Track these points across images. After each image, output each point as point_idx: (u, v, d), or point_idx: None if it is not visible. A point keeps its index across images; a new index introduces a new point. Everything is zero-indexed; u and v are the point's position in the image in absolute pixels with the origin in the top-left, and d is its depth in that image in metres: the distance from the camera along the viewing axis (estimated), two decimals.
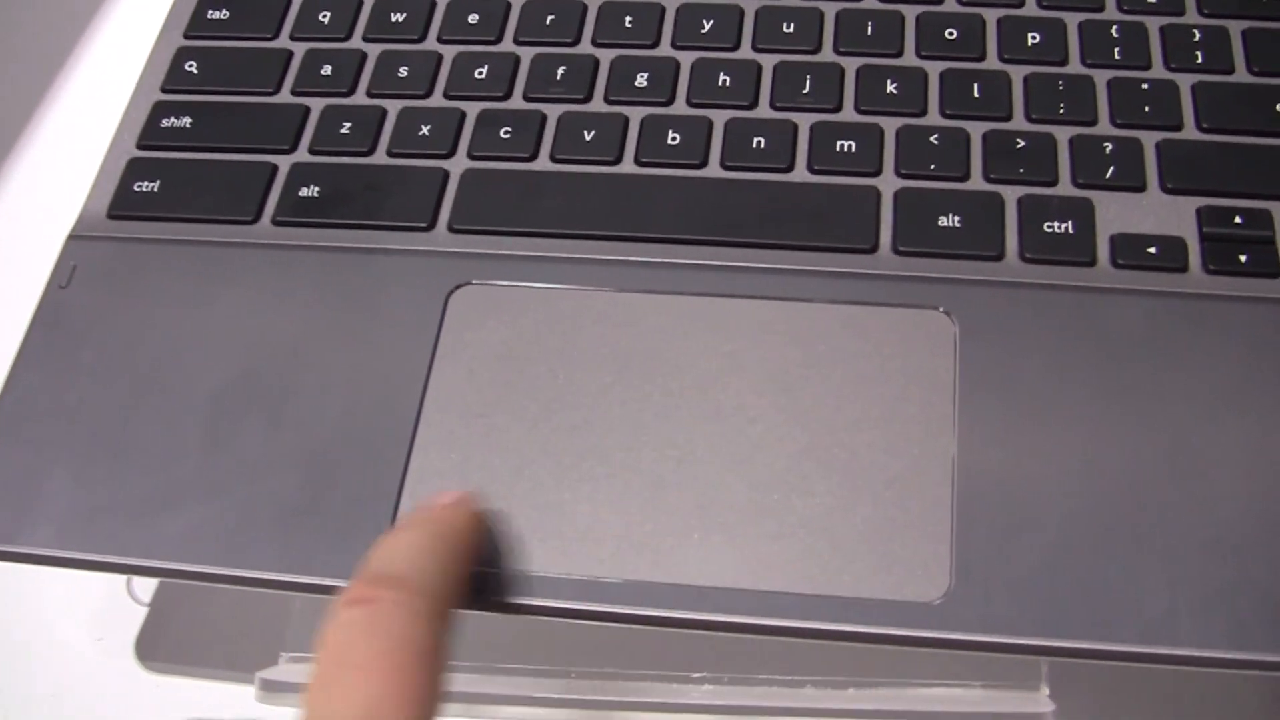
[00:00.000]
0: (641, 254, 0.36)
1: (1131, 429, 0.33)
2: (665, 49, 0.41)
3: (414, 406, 0.34)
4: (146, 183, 0.39)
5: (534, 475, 0.33)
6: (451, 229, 0.37)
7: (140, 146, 0.40)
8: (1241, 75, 0.39)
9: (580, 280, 0.36)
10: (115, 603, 0.41)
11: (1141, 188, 0.37)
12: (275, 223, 0.38)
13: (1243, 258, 0.35)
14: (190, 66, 0.42)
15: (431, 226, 0.37)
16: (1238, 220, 0.36)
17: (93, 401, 0.35)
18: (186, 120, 0.41)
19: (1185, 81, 0.39)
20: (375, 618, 0.27)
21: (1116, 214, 0.36)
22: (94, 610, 0.41)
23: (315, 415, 0.34)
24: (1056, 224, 0.36)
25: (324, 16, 0.43)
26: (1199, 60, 0.39)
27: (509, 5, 0.42)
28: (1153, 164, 0.37)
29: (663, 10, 0.42)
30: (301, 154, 0.39)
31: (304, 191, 0.38)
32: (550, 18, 0.42)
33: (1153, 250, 0.35)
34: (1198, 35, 0.40)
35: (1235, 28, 0.40)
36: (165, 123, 0.41)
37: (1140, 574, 0.31)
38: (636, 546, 0.32)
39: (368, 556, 0.29)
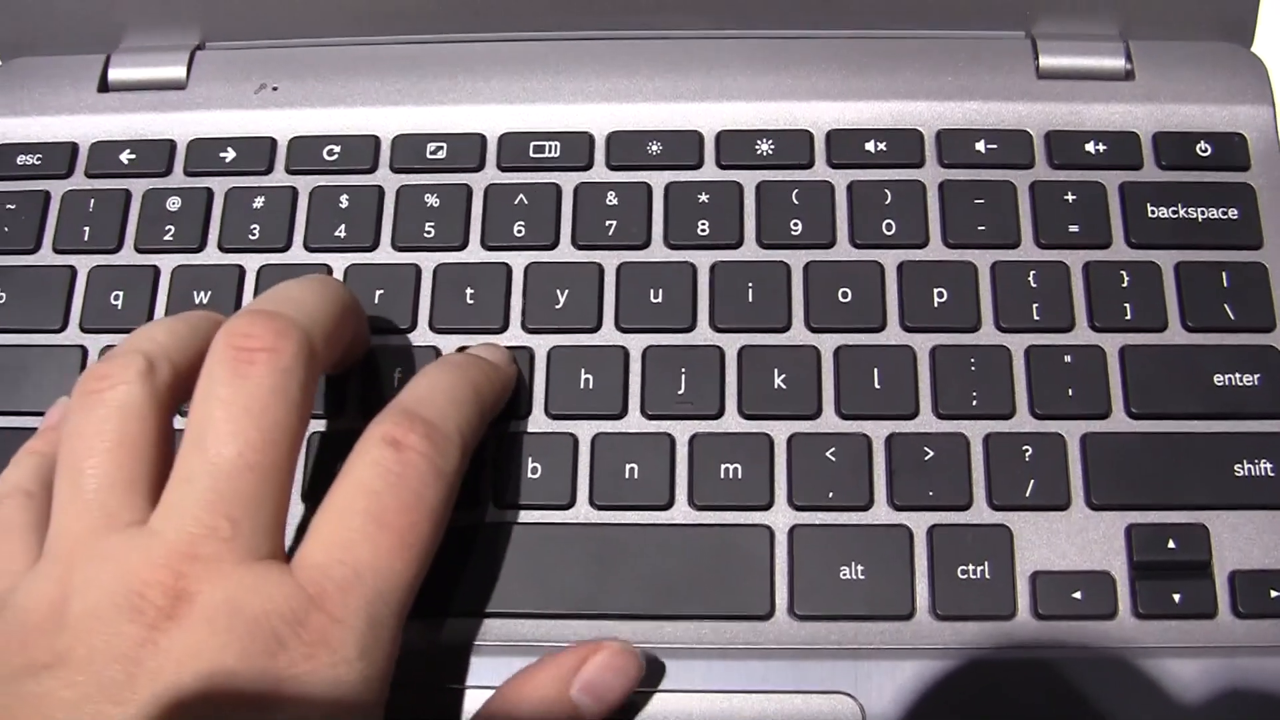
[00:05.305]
0: (520, 636, 0.32)
1: None
2: (516, 332, 0.35)
3: None
4: None
5: None
6: None
7: None
8: (1175, 332, 0.34)
9: None
10: None
11: (1065, 505, 0.33)
12: None
13: (1176, 596, 0.32)
14: None
15: None
16: (1171, 545, 0.32)
17: None
18: None
19: (1113, 345, 0.34)
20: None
21: (1037, 543, 0.32)
22: None
23: None
24: (971, 566, 0.32)
25: None
26: (1128, 315, 0.34)
27: None
28: (1077, 469, 0.33)
29: (510, 271, 0.36)
30: None
31: None
32: None
33: (1077, 595, 0.32)
34: (1126, 279, 0.34)
35: (1168, 261, 0.35)
36: None
37: None
38: None
39: None
